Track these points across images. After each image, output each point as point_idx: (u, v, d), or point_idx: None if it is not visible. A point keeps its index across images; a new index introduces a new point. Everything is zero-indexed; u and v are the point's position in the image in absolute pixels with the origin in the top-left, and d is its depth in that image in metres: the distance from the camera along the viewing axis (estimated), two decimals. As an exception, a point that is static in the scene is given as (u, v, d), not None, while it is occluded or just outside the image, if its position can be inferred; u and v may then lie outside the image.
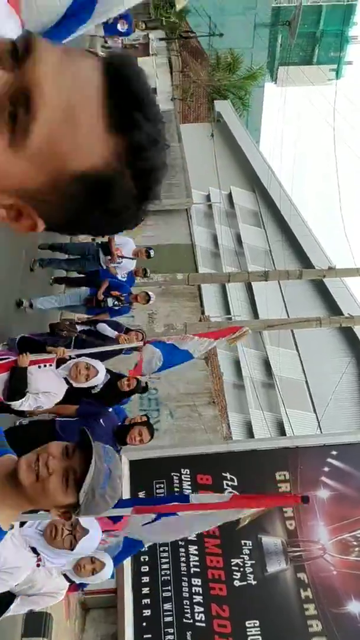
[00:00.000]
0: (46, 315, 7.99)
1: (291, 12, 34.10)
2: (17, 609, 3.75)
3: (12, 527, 3.35)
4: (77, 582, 4.34)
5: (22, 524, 3.59)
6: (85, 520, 3.79)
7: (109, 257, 7.80)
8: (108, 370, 5.87)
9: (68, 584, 4.24)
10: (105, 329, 6.70)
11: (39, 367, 5.21)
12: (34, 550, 3.67)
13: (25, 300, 7.31)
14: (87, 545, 3.83)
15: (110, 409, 5.60)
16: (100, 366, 5.32)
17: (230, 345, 6.22)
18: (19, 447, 1.72)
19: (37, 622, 5.86)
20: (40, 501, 1.62)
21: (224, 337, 6.01)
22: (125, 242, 8.02)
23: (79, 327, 6.69)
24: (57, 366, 5.32)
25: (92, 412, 5.35)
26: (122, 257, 7.88)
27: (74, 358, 5.44)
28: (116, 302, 7.74)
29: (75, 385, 5.22)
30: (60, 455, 1.63)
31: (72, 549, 3.75)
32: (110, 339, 6.52)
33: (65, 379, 5.25)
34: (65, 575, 4.17)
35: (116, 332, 6.66)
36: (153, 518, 4.03)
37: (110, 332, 6.65)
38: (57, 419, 5.28)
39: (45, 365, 5.25)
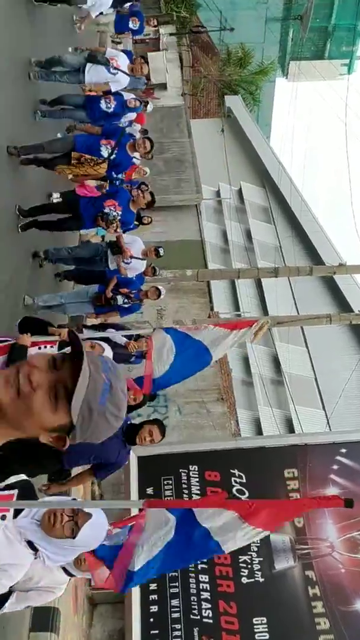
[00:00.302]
0: (55, 315, 7.94)
1: (303, 6, 33.82)
2: (12, 606, 3.47)
3: (4, 517, 3.08)
4: (78, 576, 4.03)
5: (16, 514, 3.23)
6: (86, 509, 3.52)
7: (118, 256, 7.58)
8: (115, 355, 5.68)
9: (68, 578, 3.92)
10: (114, 335, 6.44)
11: (39, 348, 4.80)
12: (30, 544, 3.31)
13: (28, 297, 7.19)
14: (91, 534, 3.43)
15: None
16: (106, 346, 4.96)
17: (253, 341, 5.66)
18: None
19: (44, 617, 5.89)
20: (24, 424, 1.36)
21: (240, 330, 5.54)
22: (133, 241, 7.81)
23: (85, 332, 6.46)
24: (60, 349, 4.78)
25: None
26: (132, 257, 7.66)
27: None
28: (126, 300, 7.55)
29: None
30: (45, 367, 1.38)
31: (74, 537, 3.35)
32: (119, 346, 6.32)
33: None
34: (64, 569, 3.85)
35: (125, 339, 6.48)
36: (169, 539, 3.60)
37: (119, 338, 6.44)
38: None
39: (45, 347, 4.83)
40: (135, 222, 8.45)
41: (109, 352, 4.98)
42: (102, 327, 6.87)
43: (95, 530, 3.44)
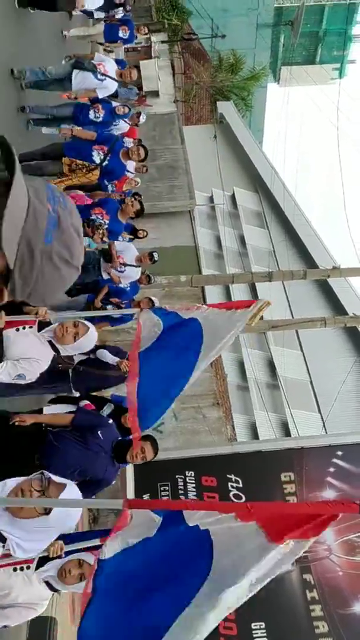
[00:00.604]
0: None
1: (293, 11, 34.03)
2: None
3: None
4: (64, 591, 3.67)
5: None
6: (58, 478, 3.17)
7: (110, 264, 7.31)
8: (113, 403, 5.40)
9: (51, 593, 3.52)
10: (105, 355, 6.17)
11: (17, 330, 4.37)
12: None
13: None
14: (66, 510, 3.05)
15: (111, 420, 5.02)
16: (91, 326, 4.49)
17: (253, 324, 5.03)
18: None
19: (42, 627, 5.85)
20: None
21: (237, 310, 4.95)
22: (126, 248, 7.57)
23: (76, 357, 6.01)
24: (40, 330, 4.46)
25: (89, 423, 4.78)
26: (125, 264, 7.36)
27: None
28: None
29: (62, 349, 4.44)
30: None
31: (47, 513, 2.95)
32: (111, 367, 6.06)
33: (51, 343, 4.41)
34: (47, 583, 3.52)
35: (117, 358, 6.15)
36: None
37: (110, 358, 6.13)
38: (50, 429, 4.56)
39: (24, 328, 4.41)
40: (130, 236, 8.28)
41: (93, 333, 4.54)
42: (93, 349, 6.34)
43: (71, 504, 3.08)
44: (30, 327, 4.40)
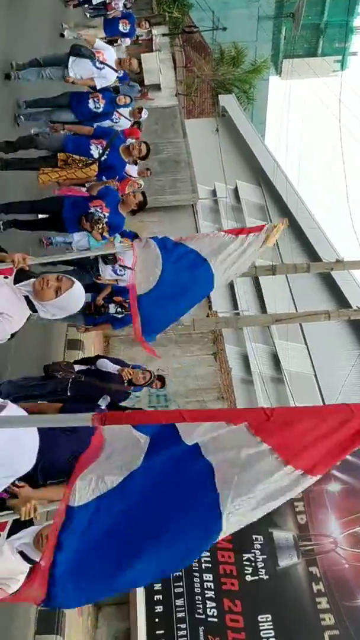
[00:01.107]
0: (50, 327, 7.72)
1: (295, 3, 33.83)
2: None
3: None
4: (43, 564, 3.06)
5: None
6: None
7: (109, 265, 6.93)
8: (109, 393, 5.09)
9: (28, 566, 3.08)
10: (106, 364, 6.02)
11: None
12: None
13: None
14: (11, 442, 2.53)
15: (104, 406, 4.76)
16: (77, 282, 3.76)
17: (267, 245, 4.49)
18: None
19: (49, 620, 5.91)
20: None
21: (248, 234, 4.50)
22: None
23: (76, 367, 6.01)
24: (17, 282, 3.72)
25: (78, 410, 4.52)
26: (125, 267, 7.00)
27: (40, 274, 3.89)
28: (119, 309, 6.95)
29: (40, 307, 3.70)
30: None
31: None
32: (113, 378, 5.91)
33: (28, 300, 3.68)
34: (22, 554, 3.14)
35: (117, 367, 5.99)
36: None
37: (111, 367, 5.99)
38: None
39: None
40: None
41: (79, 288, 3.77)
42: (94, 360, 6.36)
43: (19, 434, 2.52)
44: (6, 277, 3.69)
